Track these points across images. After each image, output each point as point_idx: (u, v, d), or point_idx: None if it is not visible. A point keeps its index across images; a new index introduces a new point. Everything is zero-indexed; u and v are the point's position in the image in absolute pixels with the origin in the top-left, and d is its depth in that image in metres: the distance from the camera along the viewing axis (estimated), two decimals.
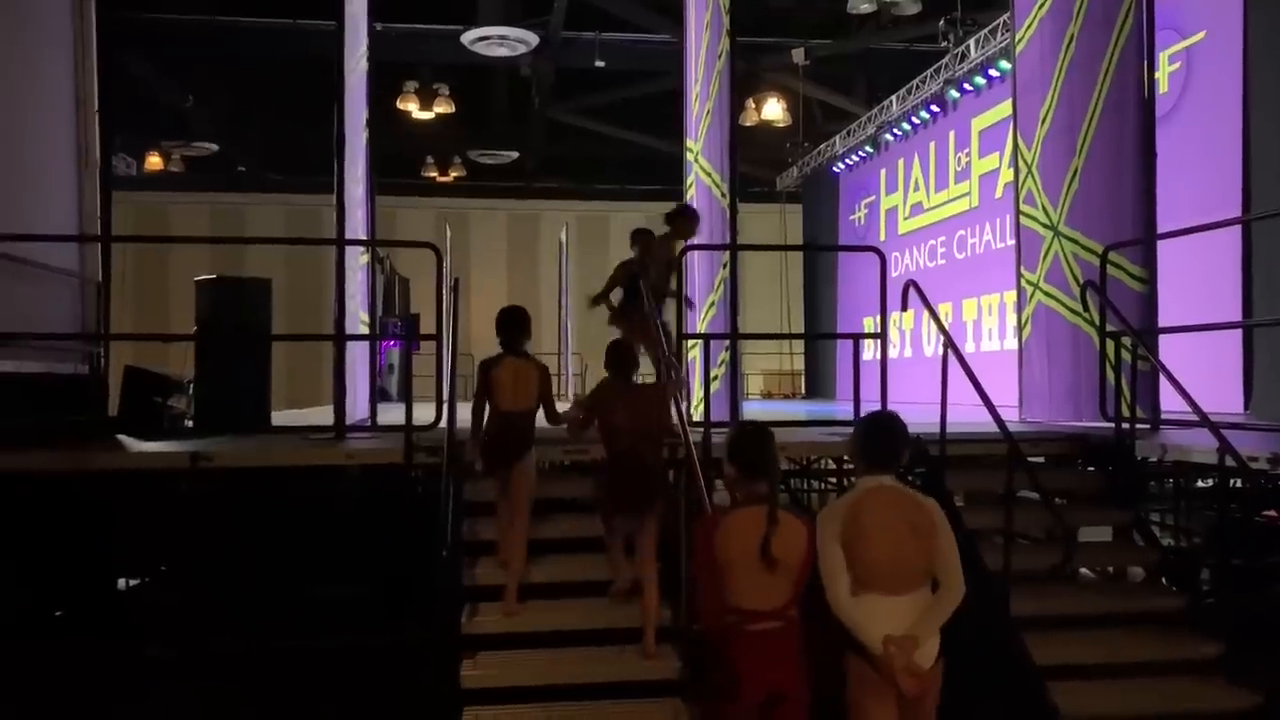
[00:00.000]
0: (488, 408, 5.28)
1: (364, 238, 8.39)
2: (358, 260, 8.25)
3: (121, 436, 6.67)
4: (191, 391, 7.67)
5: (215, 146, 18.90)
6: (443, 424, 5.75)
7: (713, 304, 9.14)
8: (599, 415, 5.16)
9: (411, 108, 16.56)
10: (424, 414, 6.07)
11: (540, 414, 5.40)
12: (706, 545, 3.55)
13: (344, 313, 7.34)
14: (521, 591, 5.34)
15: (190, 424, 7.41)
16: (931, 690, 3.55)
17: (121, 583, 7.15)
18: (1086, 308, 7.21)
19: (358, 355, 8.09)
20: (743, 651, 3.47)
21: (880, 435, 3.73)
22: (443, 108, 16.73)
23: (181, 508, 6.17)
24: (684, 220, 8.06)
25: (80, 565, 6.42)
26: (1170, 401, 6.40)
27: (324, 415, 7.75)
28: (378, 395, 8.76)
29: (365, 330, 8.45)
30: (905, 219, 15.60)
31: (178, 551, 6.51)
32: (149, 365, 7.61)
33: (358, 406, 7.87)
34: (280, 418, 8.39)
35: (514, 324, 5.34)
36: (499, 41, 13.86)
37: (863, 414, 5.51)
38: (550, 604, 5.39)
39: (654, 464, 5.19)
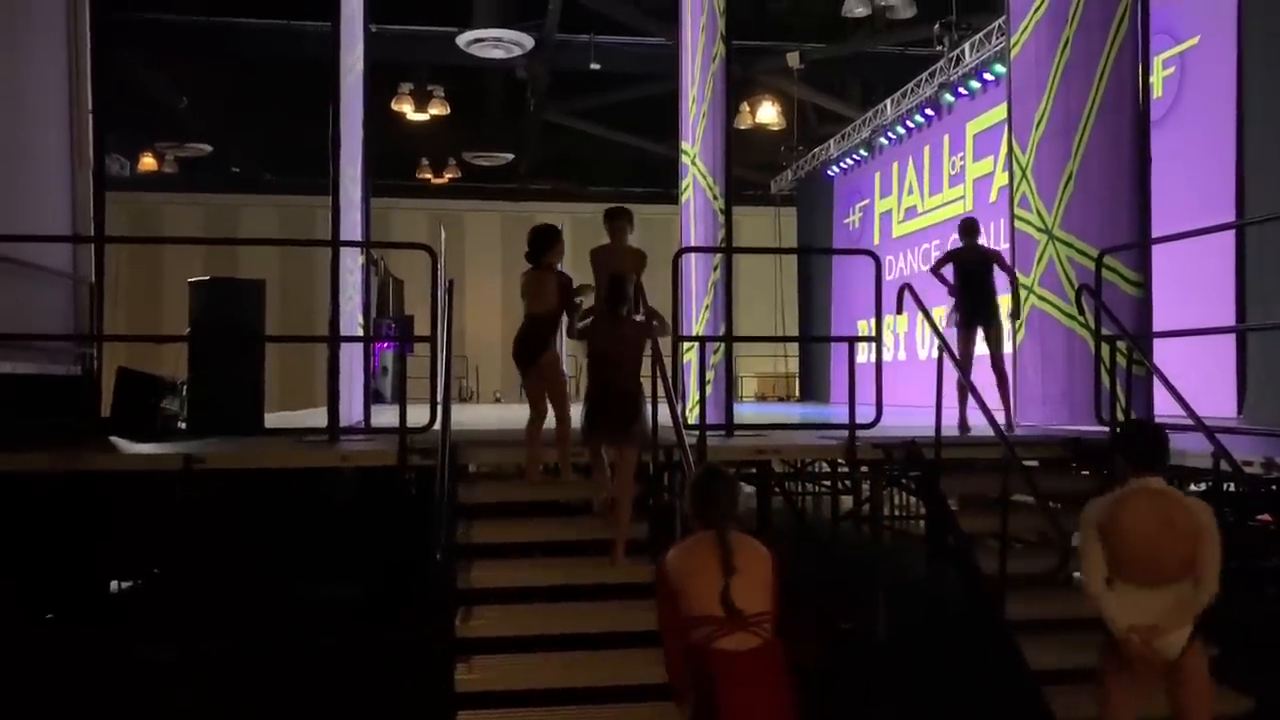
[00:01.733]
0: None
1: (359, 239, 8.38)
2: (355, 262, 8.24)
3: (114, 438, 6.64)
4: (185, 393, 7.65)
5: (209, 148, 18.84)
6: (437, 426, 5.74)
7: (707, 306, 9.15)
8: (590, 340, 5.64)
9: (406, 109, 16.54)
10: (418, 416, 6.06)
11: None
12: (662, 576, 3.45)
13: (338, 314, 7.32)
14: (517, 595, 5.37)
15: (183, 426, 7.38)
16: (1190, 678, 3.76)
17: (114, 585, 7.13)
18: (1081, 311, 7.21)
19: (352, 357, 8.07)
20: (720, 676, 3.29)
21: (1139, 441, 4.03)
22: (438, 109, 16.72)
23: (174, 510, 6.15)
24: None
25: (72, 567, 6.40)
26: (1164, 405, 6.40)
27: (318, 417, 7.73)
28: (372, 397, 8.75)
29: (362, 332, 8.43)
30: (899, 222, 15.61)
31: (171, 553, 6.49)
32: (142, 366, 7.59)
33: (352, 409, 7.86)
34: (274, 419, 8.36)
35: (535, 240, 6.09)
36: (494, 44, 13.85)
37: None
38: (546, 608, 5.38)
39: (634, 392, 5.54)
